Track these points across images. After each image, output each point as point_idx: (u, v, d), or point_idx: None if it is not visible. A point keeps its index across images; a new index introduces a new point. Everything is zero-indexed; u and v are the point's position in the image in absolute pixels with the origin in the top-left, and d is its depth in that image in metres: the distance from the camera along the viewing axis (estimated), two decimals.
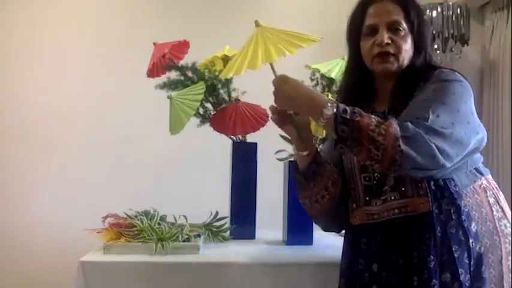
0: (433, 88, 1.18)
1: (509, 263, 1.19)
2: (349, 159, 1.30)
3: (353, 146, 1.09)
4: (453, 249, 1.14)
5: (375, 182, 1.24)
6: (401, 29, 1.24)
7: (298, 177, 1.31)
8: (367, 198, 1.25)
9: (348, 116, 1.08)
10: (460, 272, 1.12)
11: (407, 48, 1.24)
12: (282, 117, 1.25)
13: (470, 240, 1.15)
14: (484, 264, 1.15)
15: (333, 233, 1.72)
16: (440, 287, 1.13)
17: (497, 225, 1.20)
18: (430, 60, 1.31)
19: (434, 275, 1.12)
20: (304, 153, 1.26)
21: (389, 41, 1.23)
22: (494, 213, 1.21)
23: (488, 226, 1.19)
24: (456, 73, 1.23)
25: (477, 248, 1.15)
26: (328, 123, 1.10)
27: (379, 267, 1.20)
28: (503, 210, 1.24)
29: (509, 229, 1.22)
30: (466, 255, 1.14)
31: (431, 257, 1.13)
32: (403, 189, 1.19)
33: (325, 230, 1.44)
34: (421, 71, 1.25)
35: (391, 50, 1.23)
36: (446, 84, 1.19)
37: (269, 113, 1.30)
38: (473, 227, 1.16)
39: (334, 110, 1.09)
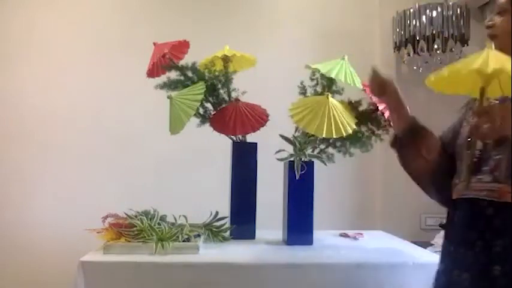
0: None
1: None
2: (462, 137, 1.30)
3: None
4: None
5: (476, 160, 1.22)
6: (503, 11, 1.24)
7: (399, 141, 1.37)
8: (467, 175, 1.24)
9: None
10: None
11: (505, 26, 1.22)
12: (382, 88, 1.31)
13: None
14: None
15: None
16: None
17: None
18: None
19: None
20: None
21: (490, 23, 1.25)
22: None
23: None
24: None
25: None
26: None
27: (457, 244, 1.22)
28: None
29: None
30: None
31: None
32: (497, 174, 1.17)
33: (424, 190, 1.43)
34: None
35: (490, 32, 1.25)
36: None
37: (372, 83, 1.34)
38: None
39: None
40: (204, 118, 1.88)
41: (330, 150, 1.78)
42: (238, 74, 1.92)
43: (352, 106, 1.74)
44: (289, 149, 1.72)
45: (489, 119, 1.05)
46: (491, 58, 1.00)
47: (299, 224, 1.74)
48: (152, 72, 1.93)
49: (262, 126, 1.81)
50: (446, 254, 1.28)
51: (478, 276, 1.15)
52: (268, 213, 1.84)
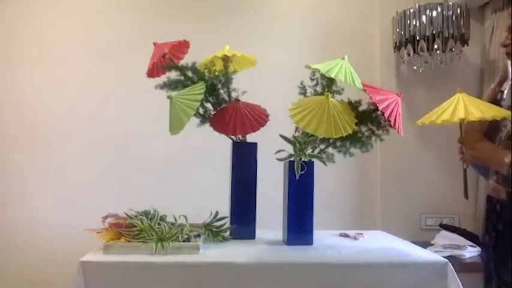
0: None
1: None
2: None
3: None
4: None
5: None
6: None
7: None
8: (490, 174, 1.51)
9: None
10: None
11: None
12: None
13: None
14: None
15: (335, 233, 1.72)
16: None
17: None
18: None
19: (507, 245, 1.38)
20: None
21: (508, 42, 1.47)
22: None
23: None
24: None
25: None
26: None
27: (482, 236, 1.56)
28: None
29: None
30: None
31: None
32: (498, 175, 1.43)
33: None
34: None
35: (508, 50, 1.48)
36: None
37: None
38: None
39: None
40: (204, 118, 1.88)
41: (330, 150, 1.78)
42: (238, 74, 1.92)
43: (352, 106, 1.74)
44: (289, 149, 1.72)
45: (462, 148, 1.37)
46: (460, 108, 1.35)
47: (299, 224, 1.74)
48: (152, 72, 1.93)
49: (262, 126, 1.80)
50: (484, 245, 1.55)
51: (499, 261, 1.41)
52: (268, 213, 1.84)
